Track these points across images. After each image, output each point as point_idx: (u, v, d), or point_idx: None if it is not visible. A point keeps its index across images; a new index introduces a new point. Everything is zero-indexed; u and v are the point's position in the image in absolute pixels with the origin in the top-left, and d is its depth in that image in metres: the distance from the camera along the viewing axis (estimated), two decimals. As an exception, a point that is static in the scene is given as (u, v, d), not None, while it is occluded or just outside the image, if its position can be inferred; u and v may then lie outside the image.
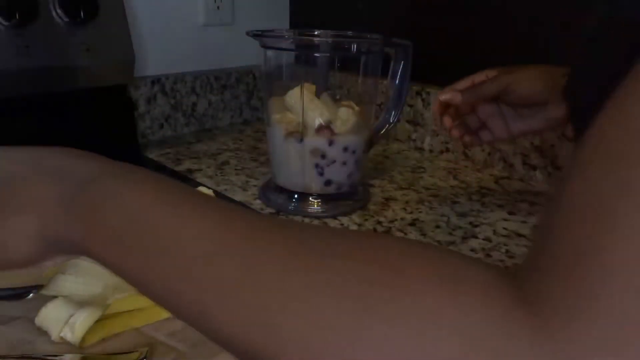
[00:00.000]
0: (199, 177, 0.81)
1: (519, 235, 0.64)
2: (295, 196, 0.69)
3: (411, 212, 0.70)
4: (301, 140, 0.65)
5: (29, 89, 0.75)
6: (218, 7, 1.05)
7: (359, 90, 0.69)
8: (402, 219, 0.68)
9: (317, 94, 0.66)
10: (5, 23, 0.70)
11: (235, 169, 0.85)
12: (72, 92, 0.80)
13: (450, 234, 0.64)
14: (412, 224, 0.67)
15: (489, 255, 0.59)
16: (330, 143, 0.65)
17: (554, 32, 0.77)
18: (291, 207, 0.69)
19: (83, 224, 0.28)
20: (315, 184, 0.68)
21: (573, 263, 0.18)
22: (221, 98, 1.09)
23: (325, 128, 0.65)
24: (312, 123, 0.65)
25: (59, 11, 0.74)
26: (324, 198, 0.69)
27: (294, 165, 0.68)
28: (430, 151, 0.95)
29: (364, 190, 0.75)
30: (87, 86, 0.81)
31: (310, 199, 0.69)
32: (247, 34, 0.63)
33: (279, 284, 0.23)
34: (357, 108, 0.67)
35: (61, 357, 0.38)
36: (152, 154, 0.92)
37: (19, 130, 0.77)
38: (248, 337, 0.23)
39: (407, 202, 0.73)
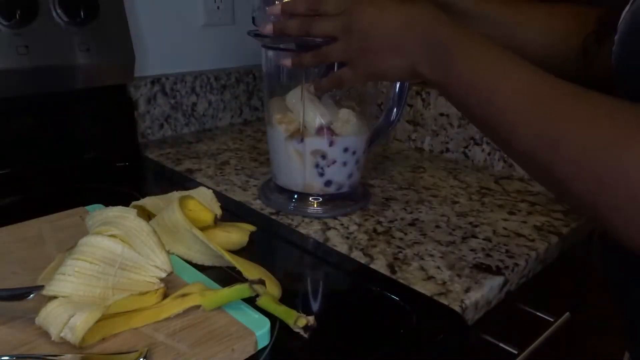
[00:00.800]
0: (199, 177, 0.81)
1: (519, 235, 0.64)
2: (295, 196, 0.69)
3: (411, 212, 0.70)
4: (302, 140, 0.65)
5: (29, 89, 0.75)
6: (218, 7, 1.05)
7: (359, 90, 0.69)
8: (402, 219, 0.68)
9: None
10: (5, 23, 0.70)
11: (235, 169, 0.85)
12: (72, 92, 0.80)
13: (450, 234, 0.64)
14: (412, 224, 0.67)
15: (489, 256, 0.59)
16: (331, 144, 0.65)
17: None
18: (291, 207, 0.69)
19: (442, 70, 0.46)
20: (315, 184, 0.68)
21: None
22: (221, 98, 1.09)
23: (326, 129, 0.65)
24: (312, 123, 0.65)
25: (59, 11, 0.74)
26: (324, 198, 0.69)
27: (295, 166, 0.68)
28: (430, 151, 0.95)
29: (364, 190, 0.75)
30: (87, 86, 0.81)
31: (310, 199, 0.69)
32: (248, 33, 0.63)
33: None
34: (357, 109, 0.67)
35: (61, 357, 0.38)
36: (152, 154, 0.92)
37: (19, 130, 0.77)
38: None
39: (407, 202, 0.73)
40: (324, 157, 0.66)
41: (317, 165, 0.67)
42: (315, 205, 0.69)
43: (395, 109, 0.70)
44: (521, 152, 0.41)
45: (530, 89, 0.40)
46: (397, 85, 0.68)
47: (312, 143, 0.65)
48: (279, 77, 0.69)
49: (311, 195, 0.69)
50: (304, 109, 0.64)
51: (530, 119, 0.39)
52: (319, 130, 0.65)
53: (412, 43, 0.47)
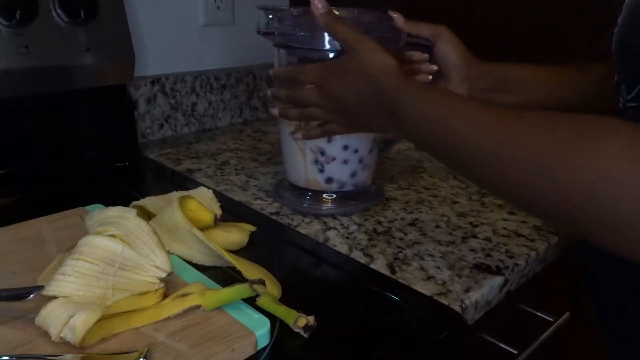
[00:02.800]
0: (199, 177, 0.81)
1: (519, 235, 0.64)
2: (309, 194, 0.70)
3: (411, 212, 0.70)
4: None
5: (29, 89, 0.75)
6: (218, 7, 1.05)
7: None
8: (402, 219, 0.68)
9: None
10: (5, 23, 0.70)
11: (235, 169, 0.85)
12: (72, 92, 0.80)
13: (450, 234, 0.64)
14: (412, 224, 0.67)
15: (489, 256, 0.59)
16: (329, 140, 0.66)
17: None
18: (305, 204, 0.70)
19: (396, 124, 0.49)
20: (316, 181, 0.69)
21: None
22: (221, 98, 1.09)
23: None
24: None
25: (59, 11, 0.74)
26: (338, 196, 0.70)
27: (298, 161, 0.69)
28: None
29: (377, 189, 0.76)
30: (87, 86, 0.81)
31: (324, 196, 0.70)
32: (258, 32, 0.64)
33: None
34: None
35: (61, 357, 0.38)
36: (152, 154, 0.92)
37: (19, 130, 0.77)
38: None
39: (407, 202, 0.73)
40: (322, 153, 0.66)
41: (316, 162, 0.67)
42: (329, 203, 0.69)
43: None
44: (488, 182, 0.42)
45: (477, 115, 0.42)
46: None
47: (313, 140, 0.66)
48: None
49: (324, 192, 0.70)
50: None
51: (484, 144, 0.40)
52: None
53: (372, 108, 0.51)
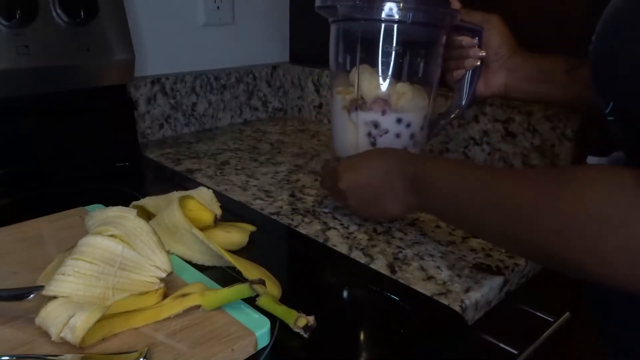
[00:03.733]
0: (199, 177, 0.81)
1: (519, 235, 0.64)
2: None
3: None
4: (356, 109, 0.68)
5: (29, 89, 0.75)
6: (218, 7, 1.05)
7: (421, 71, 0.71)
8: (402, 219, 0.68)
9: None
10: (5, 23, 0.70)
11: (235, 169, 0.85)
12: (72, 92, 0.80)
13: (450, 234, 0.64)
14: (412, 224, 0.67)
15: (489, 256, 0.59)
16: (383, 113, 0.67)
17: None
18: None
19: (425, 196, 0.53)
20: None
21: None
22: (221, 98, 1.09)
23: (381, 100, 0.67)
24: (369, 95, 0.67)
25: (59, 11, 0.74)
26: None
27: (349, 134, 0.70)
28: (431, 151, 0.95)
29: None
30: (87, 86, 0.81)
31: None
32: (317, 9, 0.67)
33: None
34: (419, 87, 0.69)
35: (61, 357, 0.38)
36: (152, 154, 0.92)
37: (19, 130, 0.77)
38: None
39: (407, 202, 0.73)
40: (376, 125, 0.68)
41: (369, 134, 0.68)
42: None
43: (464, 93, 0.72)
44: (506, 242, 0.49)
45: (486, 182, 0.47)
46: (470, 71, 0.70)
47: (366, 112, 0.68)
48: (344, 50, 0.72)
49: None
50: (361, 80, 0.67)
51: (495, 210, 0.45)
52: (375, 102, 0.67)
53: (397, 186, 0.56)
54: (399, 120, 0.68)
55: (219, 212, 0.59)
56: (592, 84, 0.44)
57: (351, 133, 0.70)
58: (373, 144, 0.69)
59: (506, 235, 0.45)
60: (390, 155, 0.59)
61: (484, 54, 0.69)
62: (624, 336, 0.50)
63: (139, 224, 0.45)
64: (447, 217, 0.55)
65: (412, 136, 0.69)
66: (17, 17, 0.71)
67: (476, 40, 0.69)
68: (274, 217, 0.67)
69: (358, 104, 0.68)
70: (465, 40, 0.69)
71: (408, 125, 0.68)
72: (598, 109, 0.44)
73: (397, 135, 0.68)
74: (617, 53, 0.40)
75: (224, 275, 0.50)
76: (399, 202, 0.57)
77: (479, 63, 0.69)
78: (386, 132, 0.68)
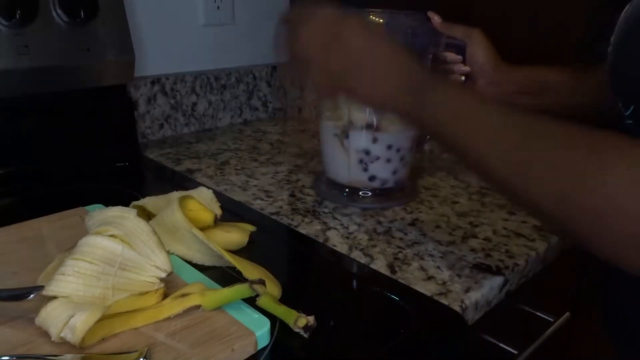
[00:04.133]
0: (199, 177, 0.81)
1: (519, 235, 0.64)
2: (347, 190, 0.73)
3: (411, 212, 0.70)
4: (347, 137, 0.69)
5: (29, 89, 0.75)
6: (218, 7, 1.05)
7: None
8: (402, 219, 0.68)
9: None
10: (5, 23, 0.70)
11: (235, 169, 0.85)
12: (72, 92, 0.80)
13: (450, 234, 0.64)
14: (412, 224, 0.67)
15: (489, 256, 0.59)
16: (374, 141, 0.68)
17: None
18: (343, 199, 0.72)
19: (418, 108, 0.46)
20: (359, 179, 0.71)
21: None
22: (221, 98, 1.09)
23: (371, 127, 0.68)
24: (359, 121, 0.68)
25: (59, 11, 0.74)
26: (374, 192, 0.72)
27: (341, 160, 0.71)
28: (431, 151, 0.95)
29: (412, 185, 0.78)
30: (87, 86, 0.81)
31: (360, 193, 0.72)
32: None
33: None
34: None
35: (61, 357, 0.38)
36: (152, 154, 0.92)
37: (19, 130, 0.77)
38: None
39: (407, 202, 0.73)
40: (367, 153, 0.69)
41: (361, 161, 0.70)
42: (365, 199, 0.72)
43: None
44: (495, 179, 0.43)
45: (502, 135, 0.42)
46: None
47: (357, 140, 0.69)
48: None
49: (360, 190, 0.72)
50: (351, 108, 0.67)
51: (507, 165, 0.41)
52: (365, 128, 0.68)
53: (398, 75, 0.48)
54: (389, 147, 0.69)
55: (219, 212, 0.59)
56: (611, 87, 0.44)
57: (343, 159, 0.71)
58: (365, 169, 0.70)
59: (514, 181, 0.41)
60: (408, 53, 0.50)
61: (468, 69, 0.69)
62: (629, 309, 0.50)
63: (139, 224, 0.45)
64: (449, 136, 0.46)
65: (402, 159, 0.71)
66: (17, 17, 0.71)
67: (460, 57, 0.69)
68: (274, 217, 0.67)
69: (348, 132, 0.69)
70: (450, 56, 0.70)
71: (398, 150, 0.70)
72: (605, 113, 0.44)
73: (388, 160, 0.70)
74: None
75: (224, 275, 0.50)
76: (401, 81, 0.48)
77: (463, 78, 0.70)
78: (377, 158, 0.69)
